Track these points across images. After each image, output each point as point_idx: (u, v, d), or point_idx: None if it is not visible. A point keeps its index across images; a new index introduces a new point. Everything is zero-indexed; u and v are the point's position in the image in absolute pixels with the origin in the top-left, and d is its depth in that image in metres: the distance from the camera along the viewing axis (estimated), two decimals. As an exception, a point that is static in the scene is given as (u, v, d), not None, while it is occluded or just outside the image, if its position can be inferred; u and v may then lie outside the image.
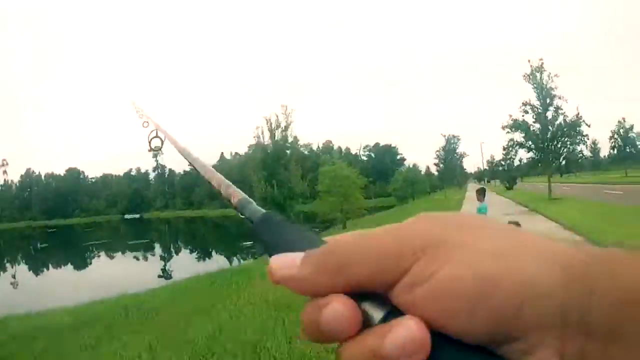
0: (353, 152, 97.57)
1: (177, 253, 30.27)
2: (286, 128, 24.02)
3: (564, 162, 29.41)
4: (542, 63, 22.55)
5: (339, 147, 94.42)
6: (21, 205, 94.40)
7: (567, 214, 13.41)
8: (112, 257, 29.05)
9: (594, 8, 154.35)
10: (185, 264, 20.89)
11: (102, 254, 31.00)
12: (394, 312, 0.21)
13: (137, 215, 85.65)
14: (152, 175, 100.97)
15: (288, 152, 23.89)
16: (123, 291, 9.71)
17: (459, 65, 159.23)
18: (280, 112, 23.73)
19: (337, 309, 0.21)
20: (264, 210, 0.31)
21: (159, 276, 17.38)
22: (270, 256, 0.25)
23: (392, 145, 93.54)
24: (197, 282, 9.99)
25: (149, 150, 0.74)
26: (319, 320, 0.21)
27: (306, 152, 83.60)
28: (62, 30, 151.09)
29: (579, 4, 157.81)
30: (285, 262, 0.24)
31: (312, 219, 38.50)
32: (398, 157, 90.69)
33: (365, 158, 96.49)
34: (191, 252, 30.02)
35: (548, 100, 22.60)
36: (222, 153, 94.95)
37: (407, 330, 0.20)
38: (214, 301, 6.60)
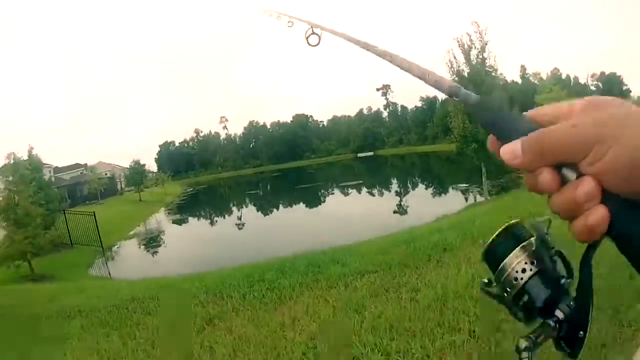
0: (582, 81, 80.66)
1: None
2: (482, 49, 19.24)
3: None
4: None
5: (567, 76, 78.19)
6: (246, 154, 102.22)
7: None
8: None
9: None
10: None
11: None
12: (581, 175, 0.35)
13: (371, 153, 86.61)
14: (385, 114, 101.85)
15: (486, 78, 19.15)
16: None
17: None
18: (473, 30, 18.94)
19: (546, 176, 0.36)
20: (477, 95, 0.39)
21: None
22: (489, 135, 0.40)
23: (617, 73, 78.79)
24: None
25: (310, 45, 0.68)
26: (536, 183, 0.37)
27: (536, 82, 71.54)
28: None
29: None
30: (511, 154, 0.38)
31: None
32: (624, 88, 74.62)
33: (593, 88, 79.37)
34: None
35: None
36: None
37: (589, 183, 0.34)
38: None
